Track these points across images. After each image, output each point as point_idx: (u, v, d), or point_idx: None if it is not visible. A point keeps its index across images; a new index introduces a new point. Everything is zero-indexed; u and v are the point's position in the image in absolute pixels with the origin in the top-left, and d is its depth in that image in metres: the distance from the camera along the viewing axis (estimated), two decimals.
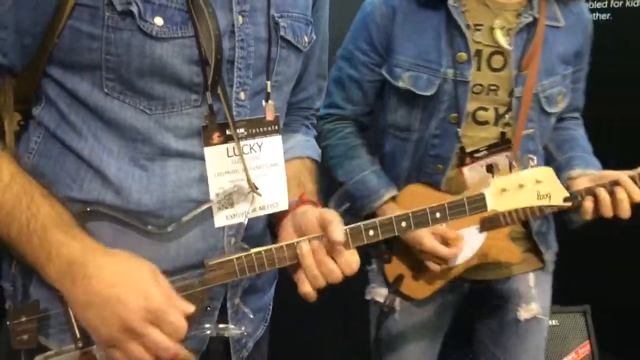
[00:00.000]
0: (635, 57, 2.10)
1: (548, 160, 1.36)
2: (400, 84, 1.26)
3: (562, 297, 2.18)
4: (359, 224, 0.84)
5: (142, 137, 0.79)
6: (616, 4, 2.14)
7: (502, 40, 1.22)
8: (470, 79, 1.22)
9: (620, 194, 1.19)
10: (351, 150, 1.33)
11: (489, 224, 1.24)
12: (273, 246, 0.82)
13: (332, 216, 0.82)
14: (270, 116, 0.87)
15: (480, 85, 1.24)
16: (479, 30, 1.23)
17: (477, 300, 1.41)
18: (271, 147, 0.88)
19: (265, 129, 0.87)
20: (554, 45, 1.27)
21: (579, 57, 1.33)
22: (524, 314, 1.34)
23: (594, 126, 1.49)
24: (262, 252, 0.81)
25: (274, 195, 0.89)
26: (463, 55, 1.22)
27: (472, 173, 1.22)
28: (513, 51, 1.23)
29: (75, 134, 0.79)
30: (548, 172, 0.92)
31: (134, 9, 0.73)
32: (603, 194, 1.20)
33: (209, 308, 0.87)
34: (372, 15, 1.29)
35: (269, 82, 0.87)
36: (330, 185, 1.36)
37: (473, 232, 1.25)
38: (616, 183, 1.20)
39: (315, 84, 1.08)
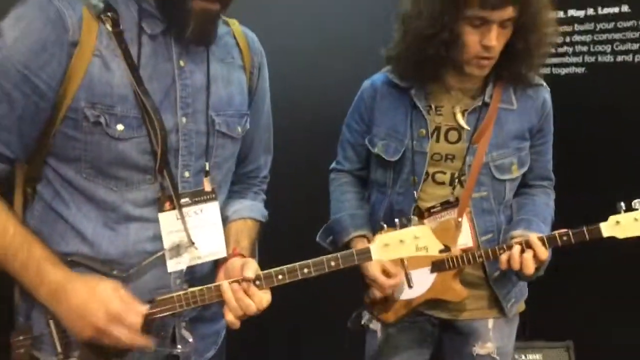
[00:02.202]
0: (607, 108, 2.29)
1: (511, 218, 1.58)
2: (375, 150, 1.57)
3: (546, 332, 2.36)
4: (270, 270, 1.12)
5: (110, 207, 1.10)
6: (589, 59, 2.36)
7: (462, 121, 1.49)
8: (428, 150, 1.50)
9: (527, 252, 1.37)
10: (341, 195, 1.66)
11: (437, 267, 1.48)
12: (204, 287, 1.10)
13: (250, 264, 1.11)
14: (208, 188, 1.17)
15: (439, 154, 1.51)
16: (440, 110, 1.51)
17: (446, 336, 1.64)
18: (210, 211, 1.18)
19: (204, 197, 1.17)
20: (506, 124, 1.51)
21: (536, 133, 1.55)
22: (479, 349, 1.55)
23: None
24: (196, 291, 1.10)
25: (212, 248, 1.18)
26: (422, 132, 1.51)
27: (429, 224, 1.47)
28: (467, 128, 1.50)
29: (64, 205, 1.10)
30: (425, 229, 1.17)
31: (102, 120, 1.04)
32: (514, 250, 1.38)
33: (162, 333, 1.16)
34: (362, 95, 1.64)
35: (207, 163, 1.17)
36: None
37: (425, 272, 1.50)
38: (527, 243, 1.38)
39: (262, 158, 1.40)
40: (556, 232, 1.37)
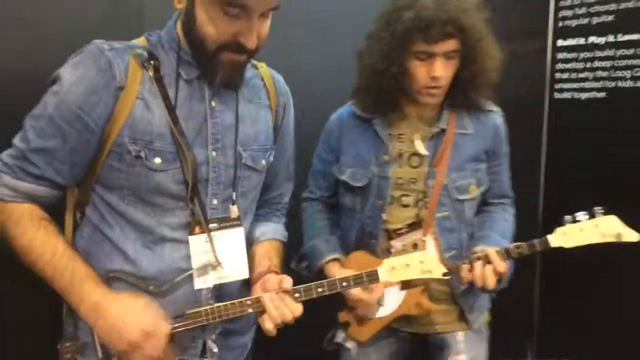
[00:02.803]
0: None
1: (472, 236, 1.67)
2: (343, 177, 1.68)
3: (539, 350, 2.41)
4: (309, 284, 1.27)
5: (148, 230, 1.24)
6: (609, 84, 2.42)
7: (420, 148, 1.60)
8: (391, 176, 1.61)
9: (487, 267, 1.45)
10: (314, 222, 1.76)
11: (406, 284, 1.58)
12: (234, 301, 1.24)
13: (287, 279, 1.26)
14: (234, 214, 1.31)
15: (403, 178, 1.61)
16: (401, 138, 1.63)
17: (419, 348, 1.73)
18: (235, 236, 1.31)
19: (231, 223, 1.31)
20: (463, 148, 1.62)
21: (491, 155, 1.67)
22: None
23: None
24: (221, 306, 1.23)
25: (236, 269, 1.31)
26: (385, 158, 1.62)
27: (397, 244, 1.58)
28: (427, 153, 1.60)
29: (109, 227, 1.25)
30: (429, 256, 1.29)
31: (142, 154, 1.19)
32: (476, 266, 1.45)
33: (193, 344, 1.30)
34: (330, 127, 1.75)
35: (234, 193, 1.31)
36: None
37: (395, 290, 1.60)
38: (487, 257, 1.45)
39: (285, 186, 1.54)
40: (511, 245, 1.46)
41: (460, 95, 1.60)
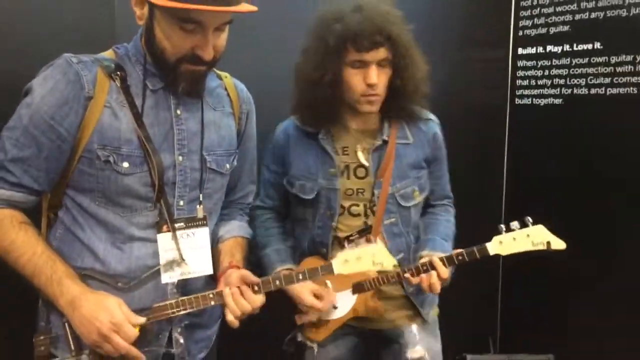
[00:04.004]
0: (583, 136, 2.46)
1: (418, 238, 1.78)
2: (293, 190, 1.75)
3: (530, 345, 2.51)
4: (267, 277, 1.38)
5: (118, 229, 1.33)
6: (566, 91, 2.54)
7: (362, 159, 1.69)
8: (339, 187, 1.68)
9: (432, 272, 1.55)
10: (266, 231, 1.81)
11: (357, 289, 1.68)
12: (199, 294, 1.34)
13: (246, 273, 1.37)
14: (200, 214, 1.40)
15: (351, 189, 1.70)
16: (346, 151, 1.71)
17: (377, 342, 1.83)
18: (201, 235, 1.41)
19: (197, 223, 1.40)
20: (405, 157, 1.71)
21: (431, 162, 1.77)
22: (411, 354, 1.72)
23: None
24: (185, 299, 1.33)
25: (201, 265, 1.40)
26: (332, 171, 1.69)
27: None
28: (371, 164, 1.69)
29: (80, 228, 1.34)
30: (380, 248, 1.38)
31: (111, 159, 1.28)
32: (422, 275, 1.56)
33: (160, 336, 1.38)
34: (277, 139, 1.80)
35: (200, 194, 1.41)
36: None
37: (347, 294, 1.69)
38: (431, 264, 1.55)
39: (248, 188, 1.65)
40: (453, 252, 1.56)
41: (396, 105, 1.68)
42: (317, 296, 1.64)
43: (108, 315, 1.23)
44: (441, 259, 1.55)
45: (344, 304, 1.70)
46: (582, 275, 2.39)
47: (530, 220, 1.50)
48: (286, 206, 1.85)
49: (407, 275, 1.57)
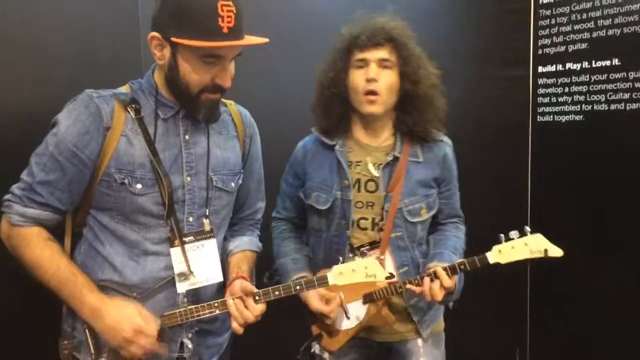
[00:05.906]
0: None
1: (427, 253, 1.84)
2: (309, 201, 1.84)
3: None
4: (267, 288, 1.48)
5: (134, 244, 1.48)
6: (586, 107, 2.56)
7: (374, 172, 1.78)
8: (352, 199, 1.77)
9: (435, 282, 1.60)
10: (283, 241, 1.92)
11: (368, 298, 1.75)
12: (205, 303, 1.47)
13: (247, 284, 1.48)
14: (207, 228, 1.54)
15: (361, 202, 1.78)
16: (358, 165, 1.80)
17: (386, 355, 1.89)
18: (209, 246, 1.54)
19: (205, 236, 1.53)
20: (415, 175, 1.78)
21: (440, 182, 1.84)
22: None
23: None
24: (193, 308, 1.45)
25: (210, 274, 1.53)
26: (346, 183, 1.78)
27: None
28: (382, 179, 1.77)
29: (101, 244, 1.49)
30: (372, 261, 1.47)
31: (126, 181, 1.44)
32: (424, 283, 1.61)
33: (173, 341, 1.51)
34: (295, 154, 1.93)
35: (207, 210, 1.54)
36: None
37: (358, 304, 1.76)
38: (435, 274, 1.61)
39: (256, 205, 1.78)
40: (455, 262, 1.61)
41: (407, 118, 1.78)
42: (326, 300, 1.72)
43: (129, 322, 1.37)
44: (444, 268, 1.61)
45: (356, 313, 1.77)
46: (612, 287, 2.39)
47: (529, 229, 1.55)
48: (304, 218, 1.94)
49: (409, 285, 1.64)
